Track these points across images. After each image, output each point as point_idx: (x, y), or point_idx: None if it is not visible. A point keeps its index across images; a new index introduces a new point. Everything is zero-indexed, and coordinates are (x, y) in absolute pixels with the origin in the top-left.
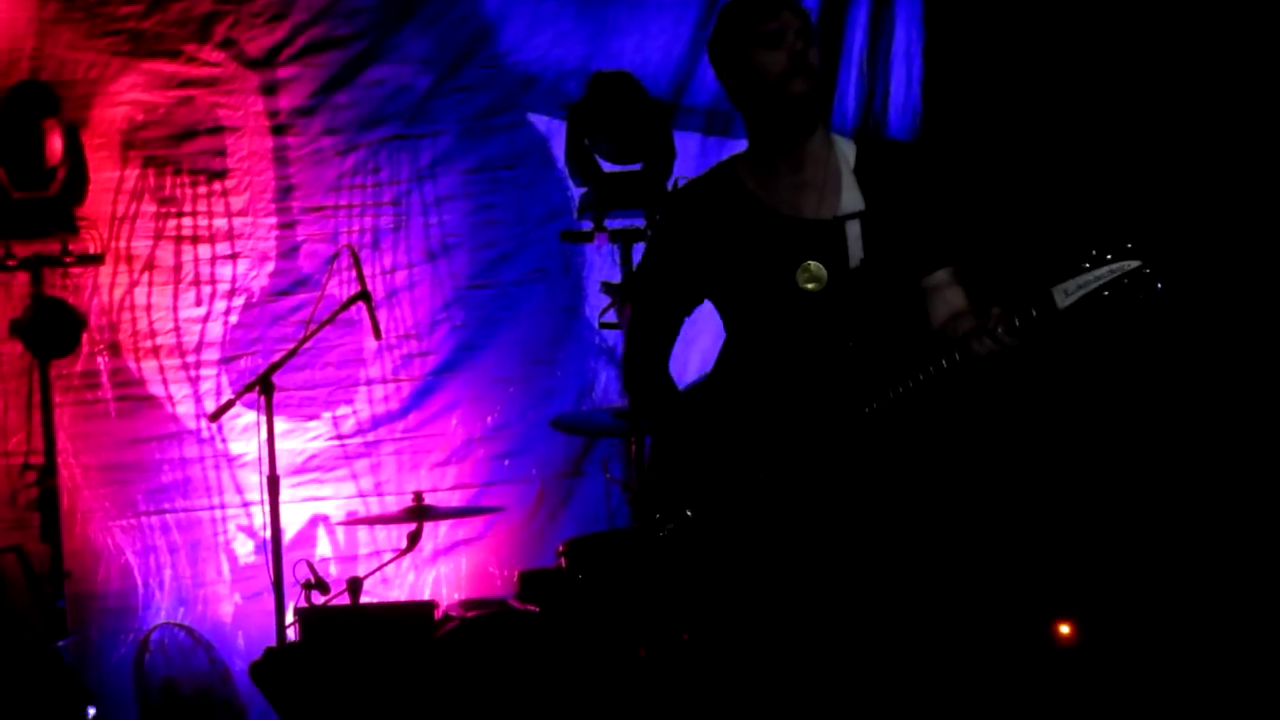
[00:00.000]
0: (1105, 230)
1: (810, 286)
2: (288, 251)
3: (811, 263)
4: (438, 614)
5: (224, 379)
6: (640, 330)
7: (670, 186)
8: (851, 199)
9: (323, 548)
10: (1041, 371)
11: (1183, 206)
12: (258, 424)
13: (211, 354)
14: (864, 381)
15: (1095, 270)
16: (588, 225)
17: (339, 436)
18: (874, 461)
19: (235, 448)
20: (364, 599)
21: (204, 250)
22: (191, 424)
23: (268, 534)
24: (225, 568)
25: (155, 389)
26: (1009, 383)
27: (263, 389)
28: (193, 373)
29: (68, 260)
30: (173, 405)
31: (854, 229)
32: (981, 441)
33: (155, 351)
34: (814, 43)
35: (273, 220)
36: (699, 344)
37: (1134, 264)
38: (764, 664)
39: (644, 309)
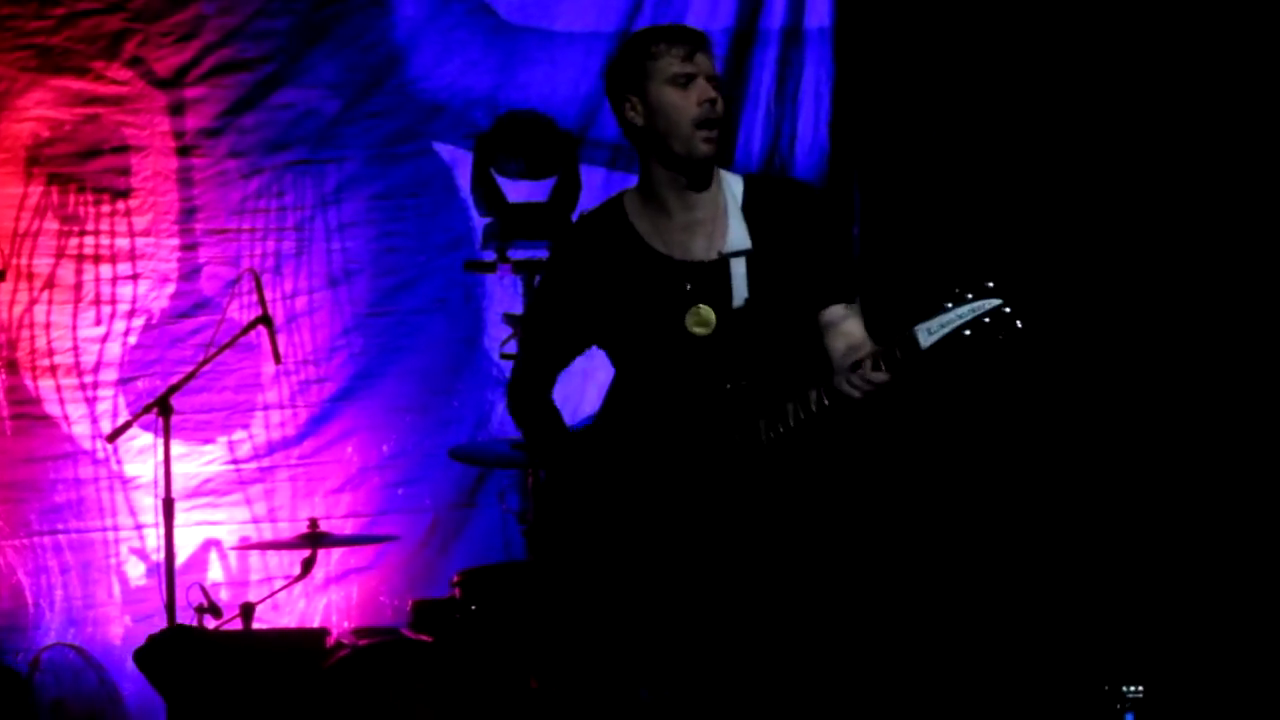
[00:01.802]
0: (968, 270)
1: (699, 331)
2: (189, 273)
3: (701, 307)
4: (329, 641)
5: (121, 400)
6: (525, 362)
7: (575, 219)
8: (738, 237)
9: (215, 572)
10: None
11: (1043, 246)
12: (154, 446)
13: (109, 374)
14: (744, 424)
15: (957, 309)
16: (491, 255)
17: (235, 461)
18: (757, 500)
19: (130, 469)
20: (255, 625)
21: (105, 270)
22: (87, 444)
23: (160, 557)
24: (117, 589)
25: (52, 408)
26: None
27: (160, 411)
28: (90, 393)
29: None
30: (69, 425)
31: (739, 267)
32: (866, 477)
33: (53, 370)
34: (722, 91)
35: (175, 241)
36: (596, 378)
37: (994, 303)
38: (659, 693)
39: (530, 341)
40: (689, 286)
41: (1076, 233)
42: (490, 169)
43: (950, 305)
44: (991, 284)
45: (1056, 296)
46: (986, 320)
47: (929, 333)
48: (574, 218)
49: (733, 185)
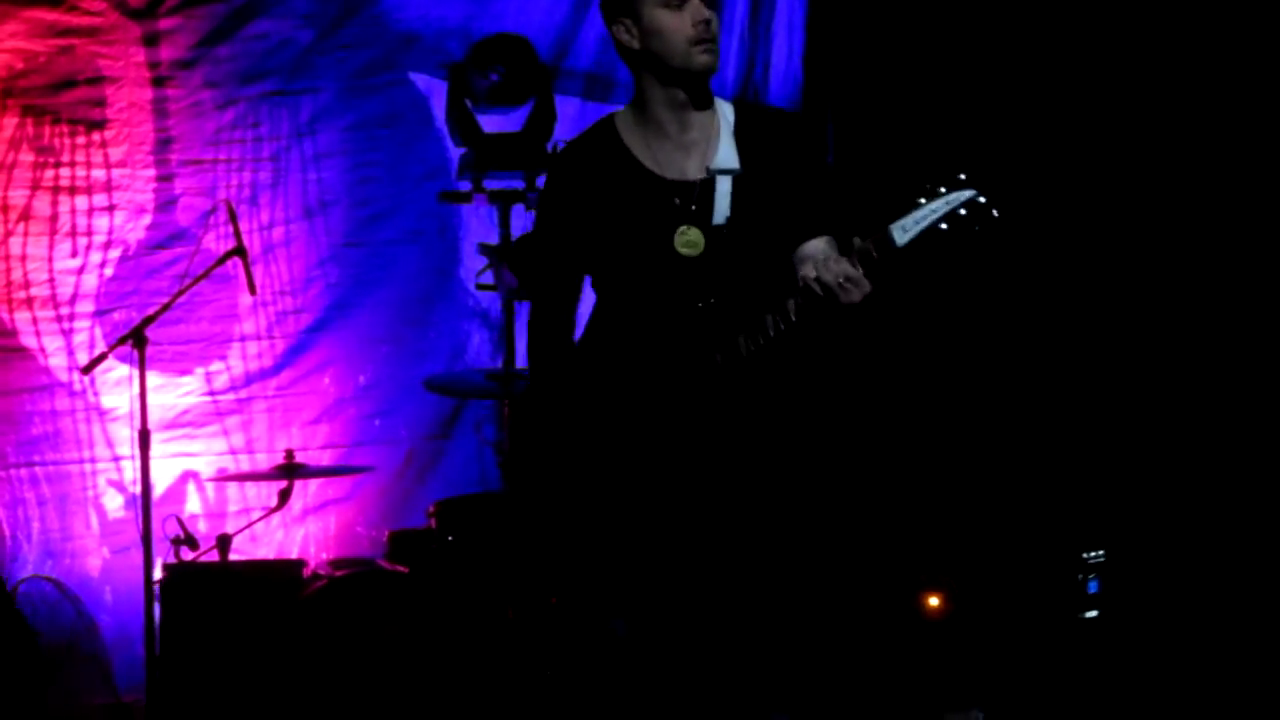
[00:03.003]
0: (938, 163)
1: (686, 251)
2: (165, 204)
3: (690, 228)
4: (306, 572)
5: (98, 332)
6: (540, 301)
7: (550, 149)
8: (727, 157)
9: (192, 504)
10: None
11: (1014, 134)
12: (130, 378)
13: (86, 306)
14: (722, 340)
15: (931, 204)
16: (466, 186)
17: (211, 393)
18: (740, 418)
19: (107, 401)
20: (233, 556)
21: (81, 201)
22: (64, 376)
23: (138, 489)
24: (94, 522)
25: (28, 340)
26: (869, 335)
27: (136, 343)
28: (66, 325)
29: None
30: (45, 357)
31: (724, 185)
32: (849, 401)
33: (29, 303)
34: (717, 7)
35: (151, 173)
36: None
37: (968, 194)
38: (634, 625)
39: (540, 279)
40: (677, 202)
41: (1053, 170)
42: (465, 99)
43: (924, 201)
44: (964, 175)
45: (1030, 185)
46: (962, 212)
47: (904, 230)
48: (549, 147)
49: (725, 110)
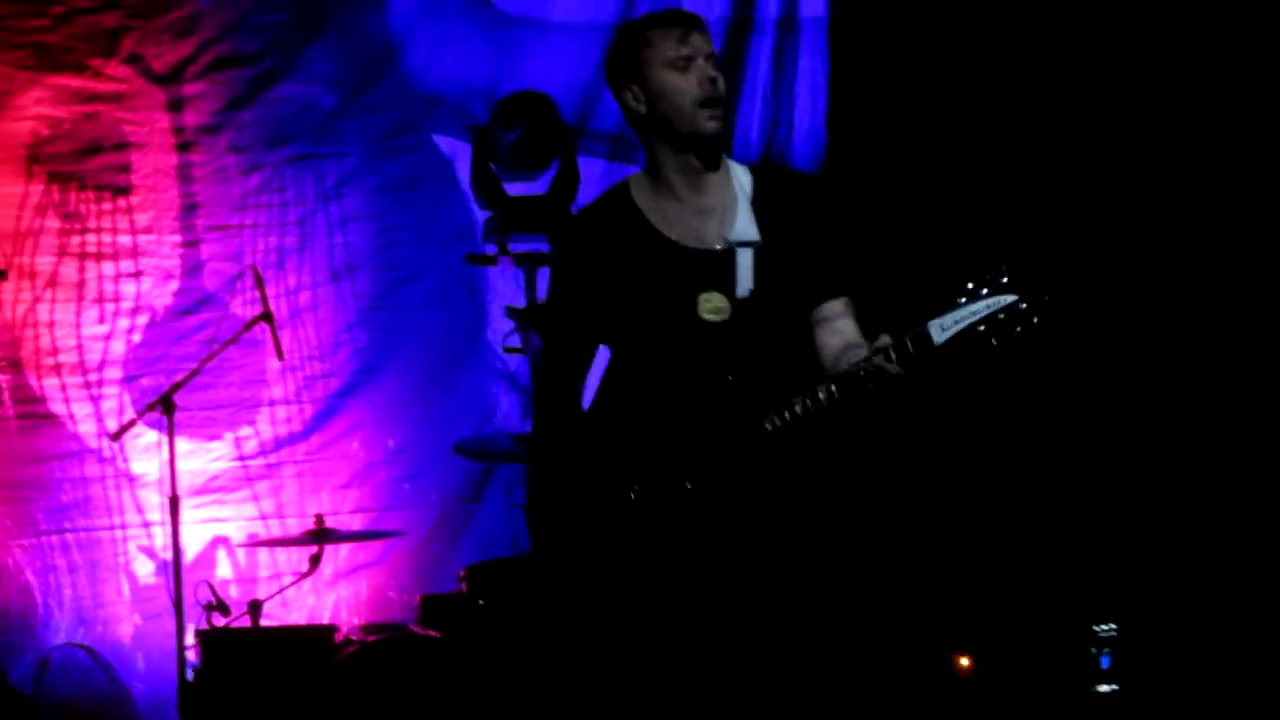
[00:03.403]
0: (981, 263)
1: (711, 317)
2: (191, 270)
3: (715, 293)
4: (338, 637)
5: (126, 398)
6: (550, 368)
7: (574, 211)
8: (746, 228)
9: (223, 569)
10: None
11: (1058, 241)
12: (159, 444)
13: (114, 372)
14: (747, 413)
15: (971, 305)
16: (492, 249)
17: (241, 458)
18: (764, 490)
19: (136, 467)
20: (264, 622)
21: (108, 267)
22: (93, 443)
23: (168, 555)
24: (125, 588)
25: (56, 407)
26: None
27: (165, 408)
28: (94, 391)
29: None
30: (74, 424)
31: (745, 258)
32: (875, 468)
33: (57, 369)
34: (721, 70)
35: (177, 238)
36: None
37: (1010, 299)
38: (661, 690)
39: (553, 345)
40: (698, 270)
41: (1075, 219)
42: (489, 162)
43: (964, 300)
44: (1006, 279)
45: (1071, 290)
46: (1001, 316)
47: (942, 329)
48: (574, 209)
49: (740, 176)
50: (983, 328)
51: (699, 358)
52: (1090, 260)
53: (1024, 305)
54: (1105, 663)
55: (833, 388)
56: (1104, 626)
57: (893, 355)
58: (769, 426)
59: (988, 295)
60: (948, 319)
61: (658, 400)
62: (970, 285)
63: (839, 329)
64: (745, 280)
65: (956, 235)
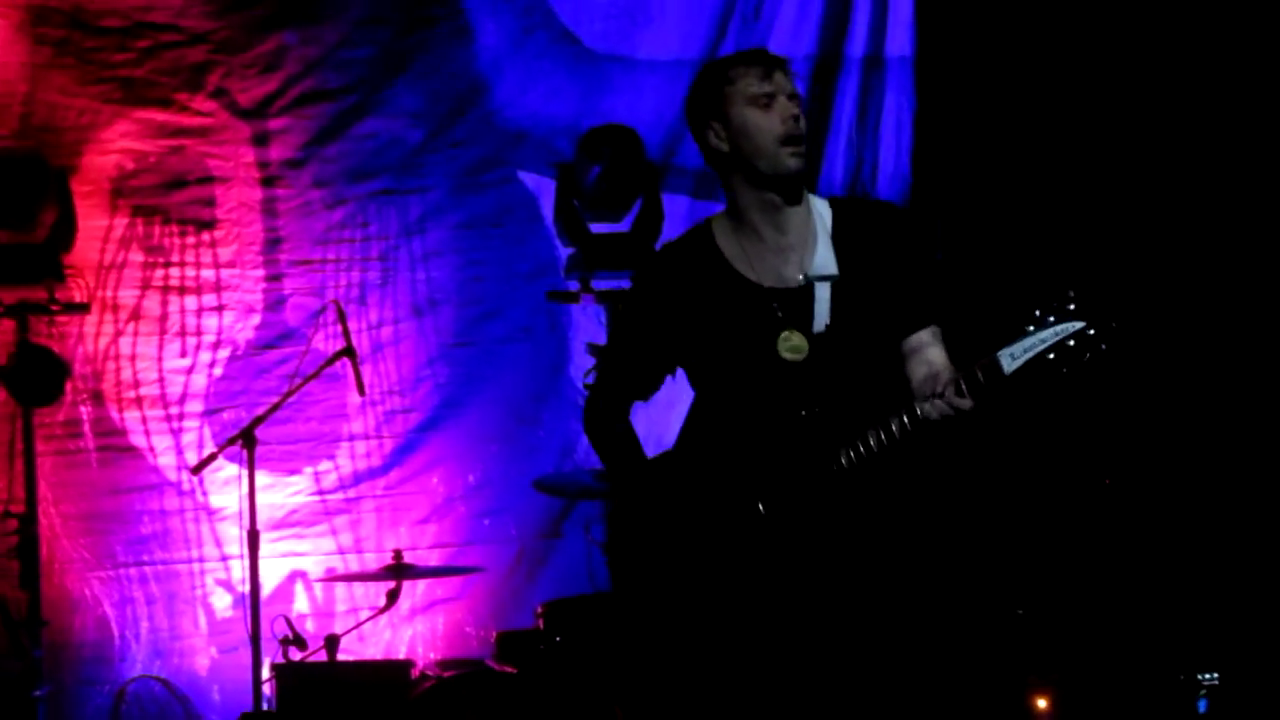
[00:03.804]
0: (1048, 289)
1: (790, 356)
2: (274, 304)
3: (794, 333)
4: (414, 673)
5: (206, 431)
6: (602, 387)
7: (658, 249)
8: (825, 262)
9: (300, 603)
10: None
11: (1127, 267)
12: (239, 477)
13: (195, 405)
14: (826, 448)
15: (1039, 332)
16: (574, 285)
17: (320, 492)
18: (845, 524)
19: (215, 501)
20: (341, 656)
21: (190, 301)
22: (173, 475)
23: (246, 588)
24: (202, 621)
25: (137, 439)
26: (975, 441)
27: (245, 442)
28: (175, 424)
29: (54, 308)
30: (154, 456)
31: (823, 292)
32: (954, 499)
33: (138, 402)
34: (803, 108)
35: (260, 272)
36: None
37: (1078, 325)
38: None
39: (610, 367)
40: (776, 310)
41: (1161, 258)
42: (572, 199)
43: (1032, 329)
44: (1073, 306)
45: (1140, 315)
46: (1070, 343)
47: (1012, 357)
48: (657, 246)
49: (821, 210)
50: (1052, 355)
51: (777, 396)
52: (1158, 287)
53: (1092, 331)
54: (1202, 707)
55: (905, 418)
56: (1207, 675)
57: (962, 387)
58: (843, 461)
59: (1055, 323)
60: (1017, 348)
61: (738, 437)
62: (1038, 313)
63: (926, 359)
64: (822, 314)
65: (1036, 270)
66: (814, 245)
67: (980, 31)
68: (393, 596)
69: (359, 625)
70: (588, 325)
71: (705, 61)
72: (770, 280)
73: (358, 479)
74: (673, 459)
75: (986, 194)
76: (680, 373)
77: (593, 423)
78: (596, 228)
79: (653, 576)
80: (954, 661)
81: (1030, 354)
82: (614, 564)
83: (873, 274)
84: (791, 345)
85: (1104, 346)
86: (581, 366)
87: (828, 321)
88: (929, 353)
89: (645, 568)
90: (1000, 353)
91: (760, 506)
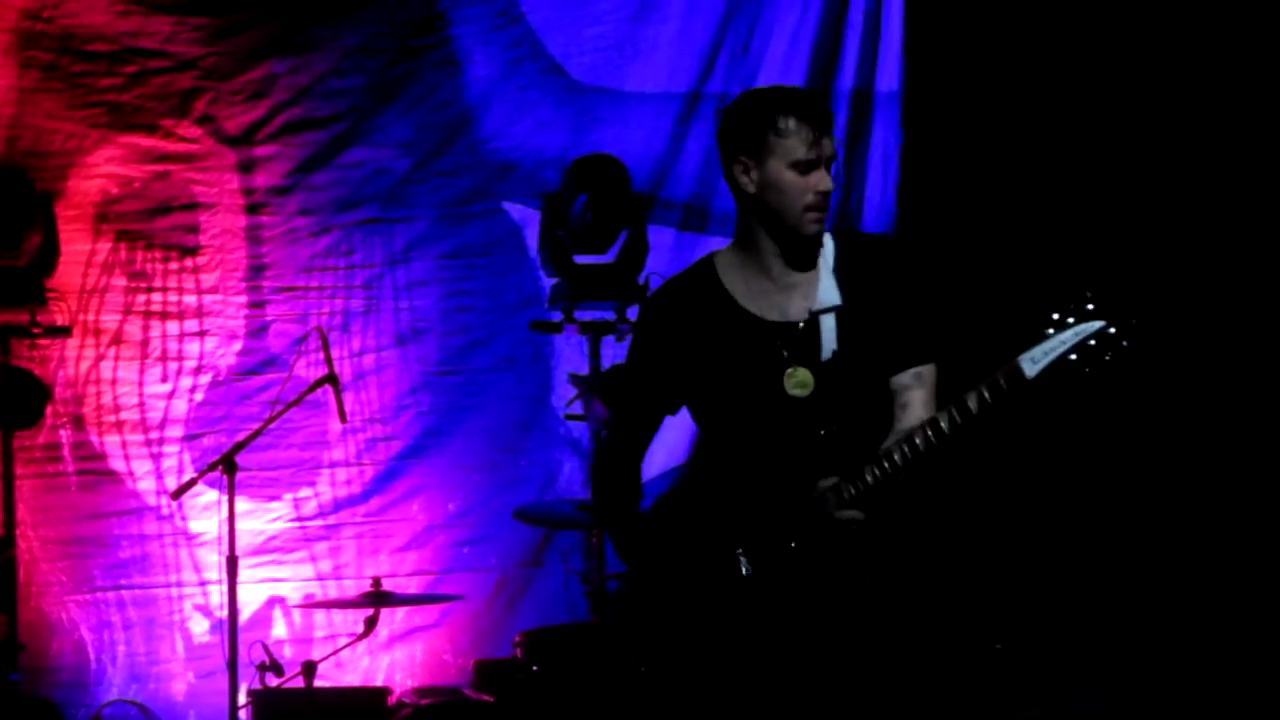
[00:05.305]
0: (1064, 292)
1: (798, 393)
2: (256, 330)
3: (800, 369)
4: (391, 700)
5: (186, 456)
6: (619, 434)
7: (642, 280)
8: (829, 294)
9: (278, 629)
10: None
11: (1140, 264)
12: (219, 503)
13: (175, 431)
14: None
15: (1060, 334)
16: (558, 316)
17: (300, 518)
18: (835, 559)
19: (195, 526)
20: (318, 683)
21: (172, 326)
22: (152, 500)
23: (224, 614)
24: (180, 646)
25: (117, 464)
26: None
27: (226, 468)
28: (155, 449)
29: (35, 331)
30: (134, 481)
31: (829, 323)
32: (935, 530)
33: (119, 426)
34: (833, 170)
35: (243, 299)
36: (665, 438)
37: (1097, 325)
38: None
39: (624, 412)
40: (784, 350)
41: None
42: (557, 230)
43: (1052, 331)
44: (1092, 306)
45: (1158, 313)
46: (1092, 343)
47: (1033, 361)
48: (641, 279)
49: (825, 242)
50: (1074, 356)
51: (784, 431)
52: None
53: (1113, 330)
54: None
55: (903, 445)
56: None
57: (986, 394)
58: (846, 494)
59: (1075, 323)
60: (1037, 351)
61: (748, 474)
62: (1056, 316)
63: (905, 401)
64: (829, 342)
65: (1024, 304)
66: (818, 279)
67: (968, 67)
68: (371, 624)
69: (337, 652)
70: (571, 356)
71: (694, 95)
72: (773, 316)
73: (338, 506)
74: (686, 496)
75: (973, 229)
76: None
77: (605, 475)
78: (581, 258)
79: (667, 624)
80: (933, 695)
81: (1052, 356)
82: (627, 604)
83: (874, 306)
84: (798, 381)
85: (1125, 344)
86: (564, 397)
87: (835, 349)
88: (908, 396)
89: (660, 613)
90: (1021, 357)
91: (744, 559)
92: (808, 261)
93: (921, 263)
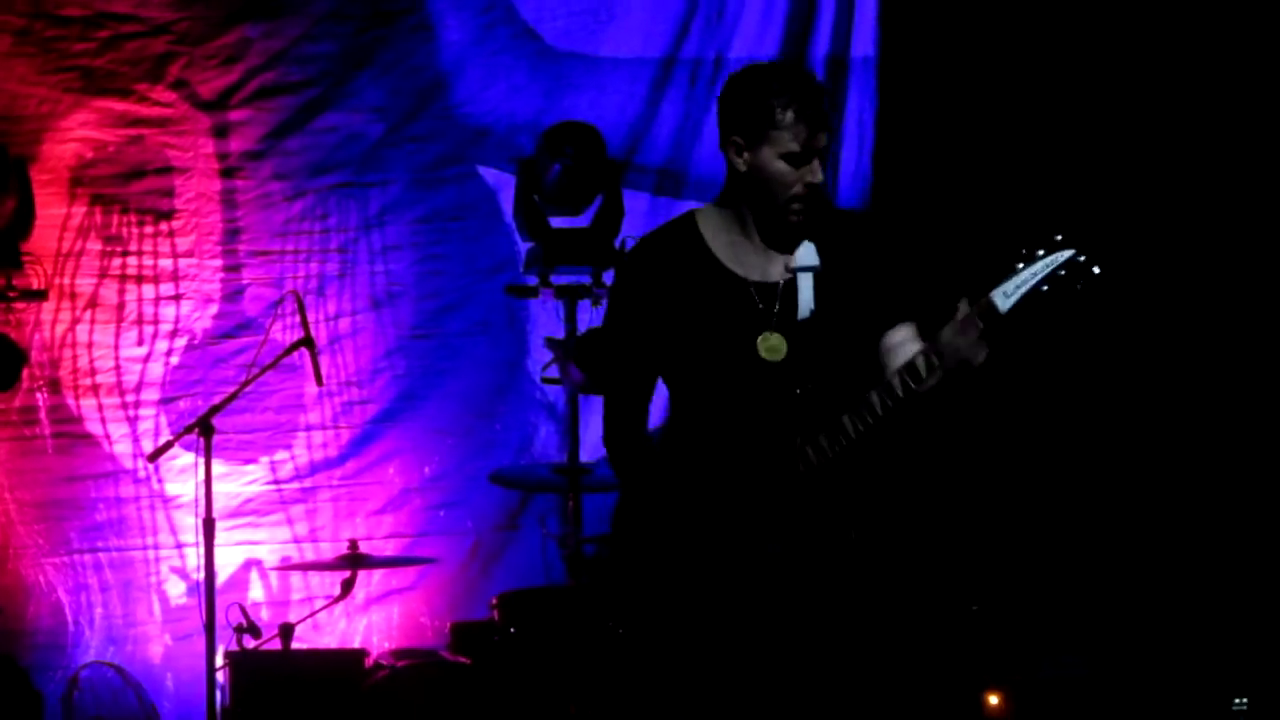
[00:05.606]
0: (1032, 228)
1: (769, 357)
2: (232, 294)
3: (773, 334)
4: (368, 662)
5: (163, 419)
6: (615, 394)
7: (617, 245)
8: (807, 255)
9: (255, 592)
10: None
11: (1107, 192)
12: (195, 466)
13: (151, 394)
14: (814, 432)
15: (1030, 267)
16: (533, 280)
17: (276, 481)
18: (824, 521)
19: (171, 489)
20: (295, 645)
21: (148, 290)
22: (128, 463)
23: (201, 576)
24: (157, 608)
25: (93, 427)
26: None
27: (202, 431)
28: (131, 412)
29: (11, 295)
30: (110, 444)
31: (806, 282)
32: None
33: (95, 390)
34: (826, 163)
35: (218, 263)
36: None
37: (1067, 254)
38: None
39: (615, 373)
40: (759, 304)
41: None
42: (533, 194)
43: (1022, 265)
44: (1060, 236)
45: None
46: (1062, 272)
47: (1005, 295)
48: (616, 243)
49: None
50: (1046, 287)
51: (755, 394)
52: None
53: (1083, 258)
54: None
55: (883, 393)
56: (1238, 701)
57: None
58: (815, 452)
59: (1045, 255)
60: (1009, 285)
61: (718, 436)
62: (1025, 250)
63: (896, 341)
64: (806, 301)
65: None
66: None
67: (943, 33)
68: (347, 586)
69: (313, 614)
70: (546, 320)
71: (668, 60)
72: (754, 275)
73: (314, 469)
74: (655, 456)
75: (947, 195)
76: None
77: (614, 442)
78: (556, 222)
79: (643, 585)
80: (909, 660)
81: (1024, 289)
82: (612, 563)
83: (853, 273)
84: (770, 345)
85: (1096, 270)
86: (539, 361)
87: (812, 308)
88: (898, 335)
89: (640, 574)
90: (994, 292)
91: (745, 504)
92: (787, 246)
93: (899, 227)
